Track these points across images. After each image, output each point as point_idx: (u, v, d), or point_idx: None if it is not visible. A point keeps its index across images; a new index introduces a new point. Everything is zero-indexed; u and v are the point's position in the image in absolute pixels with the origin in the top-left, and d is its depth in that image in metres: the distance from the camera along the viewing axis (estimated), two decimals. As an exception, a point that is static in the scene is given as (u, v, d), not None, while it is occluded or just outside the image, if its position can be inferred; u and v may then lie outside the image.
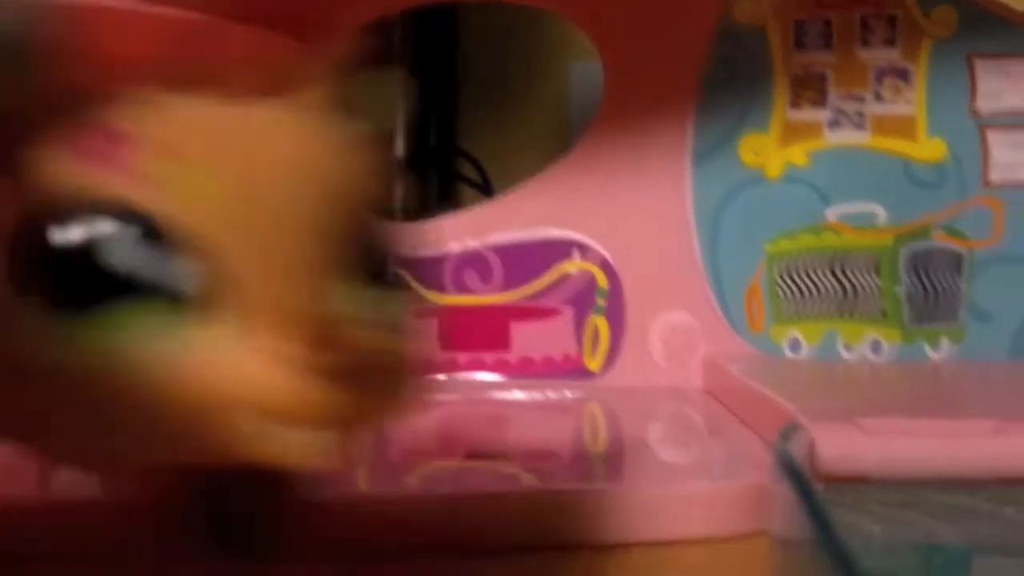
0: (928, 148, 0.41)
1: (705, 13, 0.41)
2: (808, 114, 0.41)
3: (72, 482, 0.22)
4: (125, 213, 0.13)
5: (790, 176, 0.41)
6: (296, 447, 0.13)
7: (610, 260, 0.41)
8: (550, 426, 0.34)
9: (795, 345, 0.41)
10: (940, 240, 0.41)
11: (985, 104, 0.41)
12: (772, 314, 0.41)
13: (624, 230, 0.41)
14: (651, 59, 0.41)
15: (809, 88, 0.41)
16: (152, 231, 0.13)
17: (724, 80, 0.41)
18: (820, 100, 0.41)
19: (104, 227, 0.13)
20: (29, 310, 0.13)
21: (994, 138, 0.40)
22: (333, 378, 0.13)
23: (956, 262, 0.41)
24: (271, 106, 0.15)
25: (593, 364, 0.41)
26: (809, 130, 0.41)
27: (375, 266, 0.15)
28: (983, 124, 0.41)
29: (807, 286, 0.41)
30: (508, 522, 0.23)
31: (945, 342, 0.41)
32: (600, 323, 0.41)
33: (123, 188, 0.13)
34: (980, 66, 0.41)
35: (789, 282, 0.41)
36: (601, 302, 0.41)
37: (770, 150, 0.41)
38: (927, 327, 0.41)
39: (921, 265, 0.41)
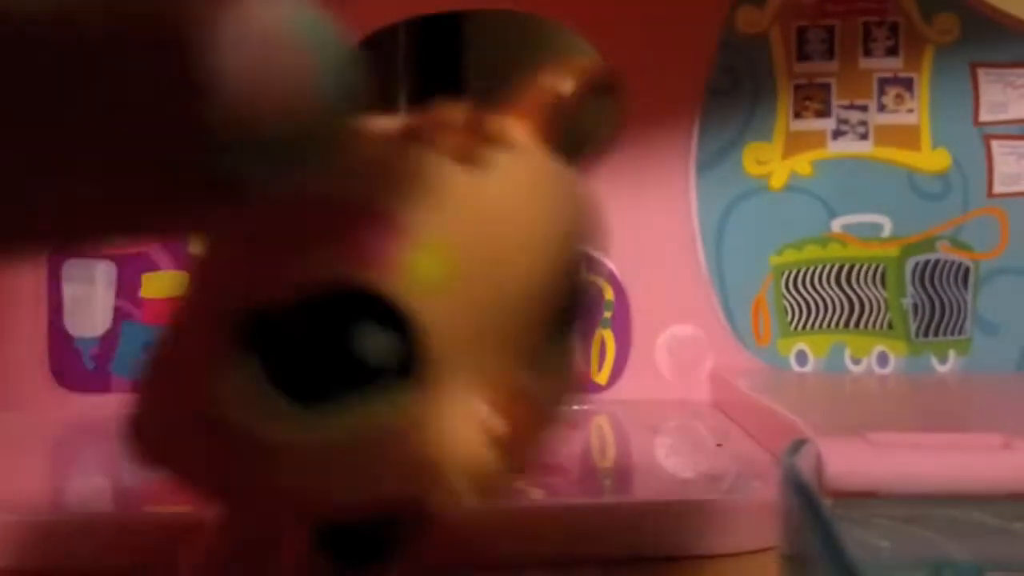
0: (932, 159, 0.41)
1: (708, 23, 0.41)
2: (811, 124, 0.41)
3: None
4: (370, 301, 0.13)
5: (794, 186, 0.41)
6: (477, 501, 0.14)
7: (616, 272, 0.41)
8: (558, 440, 0.34)
9: (802, 358, 0.41)
10: (946, 252, 0.41)
11: (988, 114, 0.41)
12: (779, 327, 0.41)
13: (630, 242, 0.41)
14: (655, 69, 0.41)
15: (812, 98, 0.41)
16: (386, 316, 0.13)
17: (727, 89, 0.41)
18: (823, 110, 0.41)
19: (351, 317, 0.13)
20: (263, 390, 0.13)
21: (998, 148, 0.40)
22: (520, 446, 0.14)
23: (962, 274, 0.41)
24: (515, 163, 0.15)
25: (600, 377, 0.41)
26: (813, 140, 0.41)
27: (572, 315, 0.15)
28: (987, 134, 0.41)
29: (813, 298, 0.41)
30: (516, 537, 0.23)
31: (952, 354, 0.40)
32: (607, 336, 0.41)
33: (376, 278, 0.13)
34: (983, 76, 0.41)
35: (795, 294, 0.41)
36: (607, 315, 0.41)
37: (774, 160, 0.41)
38: (934, 340, 0.41)
39: (927, 277, 0.41)
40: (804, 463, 0.20)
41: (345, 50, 0.11)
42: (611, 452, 0.33)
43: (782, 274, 0.41)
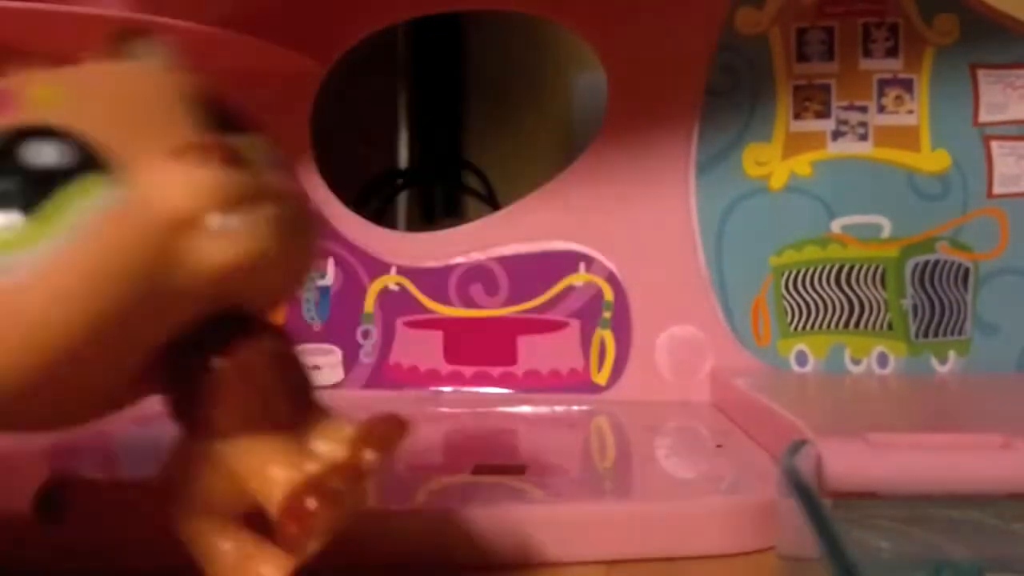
0: (932, 159, 0.41)
1: (708, 24, 0.41)
2: (811, 125, 0.41)
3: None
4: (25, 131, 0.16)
5: (794, 187, 0.41)
6: (238, 231, 0.16)
7: (616, 273, 0.41)
8: (558, 440, 0.34)
9: (802, 358, 0.41)
10: (945, 252, 0.41)
11: (988, 115, 0.41)
12: (779, 327, 0.41)
13: (630, 243, 0.41)
14: (655, 70, 0.41)
15: (812, 99, 0.41)
16: (43, 134, 0.16)
17: (727, 91, 0.41)
18: (823, 111, 0.41)
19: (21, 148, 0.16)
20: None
21: (998, 149, 0.40)
22: (229, 159, 0.16)
23: (962, 274, 0.41)
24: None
25: (600, 378, 0.41)
26: (812, 140, 0.41)
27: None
28: (986, 135, 0.41)
29: (813, 299, 0.41)
30: (517, 537, 0.23)
31: (952, 355, 0.40)
32: (607, 336, 0.41)
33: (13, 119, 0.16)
34: (983, 77, 0.41)
35: (795, 295, 0.41)
36: (607, 315, 0.41)
37: (774, 160, 0.41)
38: (934, 340, 0.41)
39: (927, 277, 0.41)
40: (804, 464, 0.20)
41: None
42: (611, 452, 0.33)
43: (782, 275, 0.41)
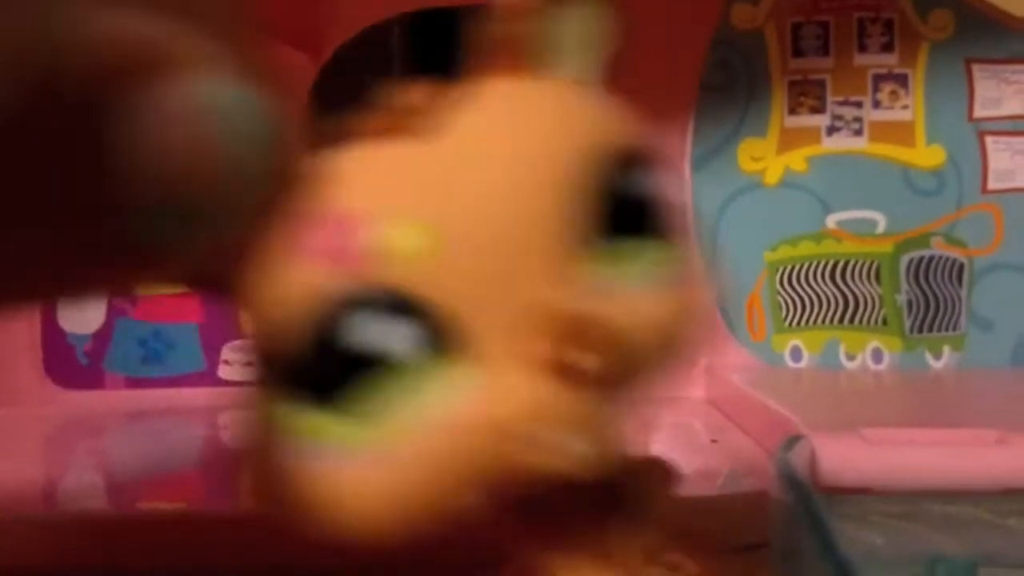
0: (927, 155, 0.41)
1: (703, 19, 0.41)
2: (806, 120, 0.41)
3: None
4: (365, 298, 0.13)
5: (789, 182, 0.41)
6: (566, 450, 0.13)
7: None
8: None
9: (797, 354, 0.41)
10: (940, 248, 0.41)
11: (983, 110, 0.41)
12: (773, 323, 0.41)
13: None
14: (649, 66, 0.41)
15: (807, 94, 0.41)
16: (388, 302, 0.13)
17: (722, 86, 0.41)
18: (818, 106, 0.41)
19: (354, 322, 0.13)
20: (301, 410, 0.13)
21: (992, 145, 0.40)
22: (594, 370, 0.13)
23: (956, 270, 0.41)
24: (475, 115, 0.14)
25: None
26: (807, 136, 0.41)
27: (632, 211, 0.14)
28: (981, 130, 0.41)
29: (808, 295, 0.41)
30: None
31: (946, 350, 0.41)
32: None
33: (356, 276, 0.13)
34: (978, 72, 0.41)
35: (790, 290, 0.41)
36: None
37: (769, 156, 0.41)
38: (928, 336, 0.41)
39: (922, 273, 0.41)
40: (798, 459, 0.20)
41: (265, 120, 0.12)
42: (605, 448, 0.33)
43: (777, 270, 0.41)
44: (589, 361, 0.13)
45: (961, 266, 0.40)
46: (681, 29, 0.41)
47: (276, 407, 0.13)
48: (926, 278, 0.41)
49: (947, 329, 0.40)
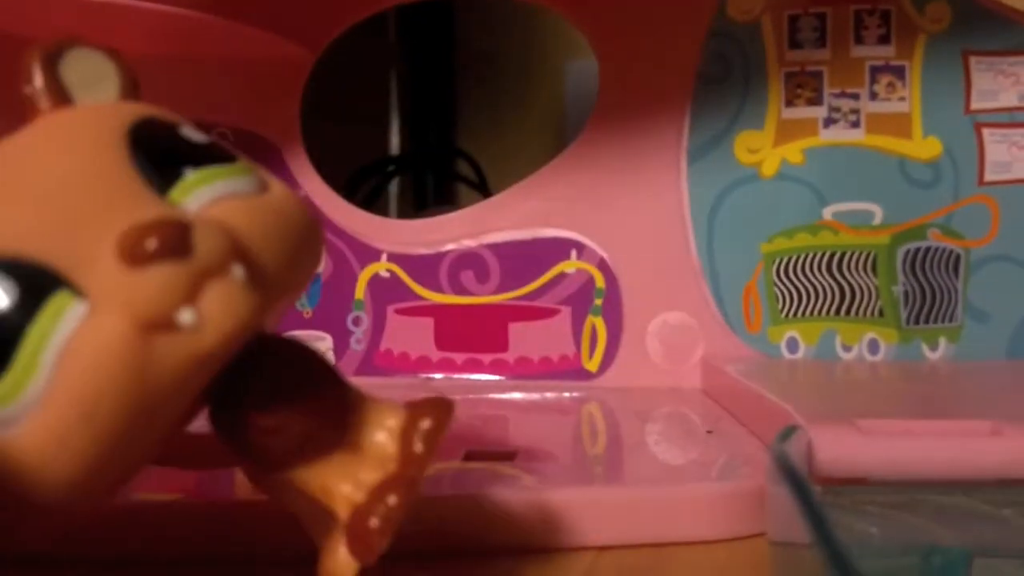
0: (923, 146, 0.41)
1: (700, 10, 0.41)
2: (803, 112, 0.41)
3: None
4: None
5: (786, 174, 0.41)
6: (203, 323, 0.15)
7: (607, 260, 0.41)
8: (548, 427, 0.34)
9: (793, 345, 0.41)
10: (936, 239, 0.41)
11: (980, 102, 0.41)
12: (770, 314, 0.41)
13: (621, 230, 0.41)
14: (646, 56, 0.41)
15: (804, 86, 0.41)
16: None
17: (719, 77, 0.41)
18: (815, 98, 0.41)
19: None
20: None
21: (989, 136, 0.40)
22: (173, 250, 0.15)
23: (953, 261, 0.41)
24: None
25: (591, 364, 0.41)
26: (804, 128, 0.41)
27: (172, 158, 0.17)
28: (978, 122, 0.41)
29: (804, 286, 0.41)
30: (508, 524, 0.23)
31: (943, 341, 0.41)
32: (598, 323, 0.41)
33: None
34: (974, 64, 0.41)
35: (787, 282, 0.41)
36: (599, 302, 0.41)
37: (765, 148, 0.41)
38: (924, 327, 0.41)
39: (918, 264, 0.41)
40: (794, 450, 0.20)
41: None
42: (601, 439, 0.33)
43: (773, 262, 0.41)
44: (172, 242, 0.15)
45: (958, 257, 0.41)
46: (678, 20, 0.41)
47: None
48: (923, 269, 0.41)
49: (943, 320, 0.41)
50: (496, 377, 0.41)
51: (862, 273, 0.41)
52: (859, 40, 0.41)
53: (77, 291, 0.15)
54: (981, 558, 0.18)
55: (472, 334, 0.42)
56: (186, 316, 0.15)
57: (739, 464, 0.27)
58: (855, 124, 0.41)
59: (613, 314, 0.41)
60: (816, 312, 0.41)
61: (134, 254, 0.15)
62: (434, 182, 0.79)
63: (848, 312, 0.41)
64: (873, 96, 0.41)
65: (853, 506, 0.20)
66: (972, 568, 0.18)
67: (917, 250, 0.41)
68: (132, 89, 0.18)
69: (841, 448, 0.21)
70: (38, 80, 0.17)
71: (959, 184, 0.41)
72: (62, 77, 0.17)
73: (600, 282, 0.41)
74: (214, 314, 0.15)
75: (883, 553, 0.18)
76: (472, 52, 0.82)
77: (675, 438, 0.33)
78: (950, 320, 0.41)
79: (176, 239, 0.15)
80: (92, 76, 0.18)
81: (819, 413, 0.25)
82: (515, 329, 0.41)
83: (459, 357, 0.41)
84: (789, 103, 0.41)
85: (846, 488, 0.20)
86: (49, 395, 0.14)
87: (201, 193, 0.16)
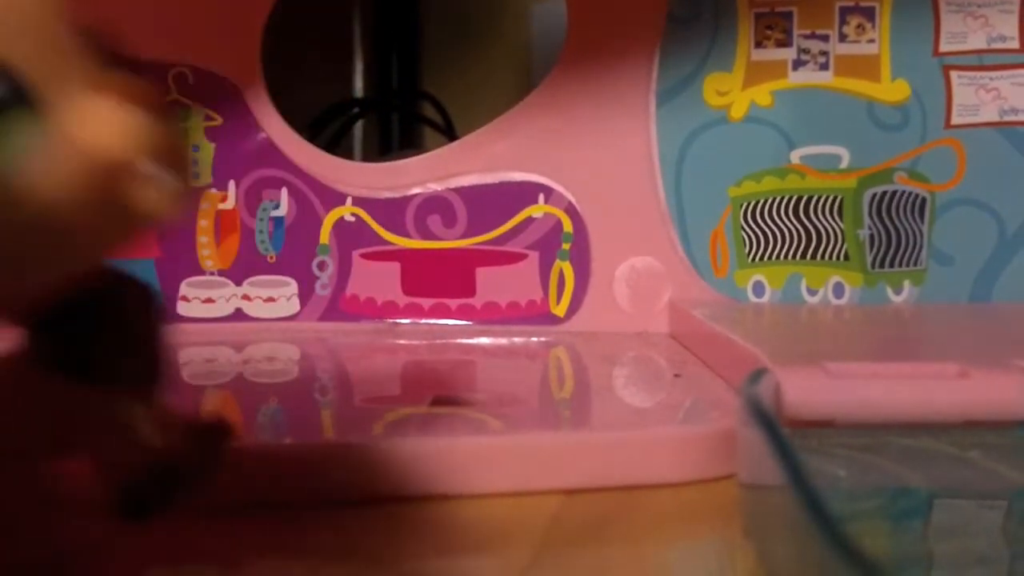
0: (892, 89, 0.41)
1: (669, -49, 0.40)
2: (772, 54, 0.41)
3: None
4: None
5: (754, 117, 0.41)
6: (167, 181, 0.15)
7: (575, 204, 0.41)
8: (516, 372, 0.34)
9: (759, 289, 0.41)
10: (903, 183, 0.41)
11: (948, 45, 0.40)
12: (736, 258, 0.41)
13: (589, 174, 0.41)
14: (615, -2, 0.41)
15: (774, 27, 0.41)
16: None
17: (688, 19, 0.41)
18: (784, 39, 0.41)
19: None
20: None
21: (957, 79, 0.40)
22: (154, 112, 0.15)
23: (918, 205, 0.41)
24: None
25: (558, 309, 0.41)
26: (773, 70, 0.41)
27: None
28: (946, 65, 0.40)
29: (771, 230, 0.41)
30: (476, 468, 0.23)
31: (907, 285, 0.41)
32: (565, 268, 0.41)
33: None
34: (944, 6, 0.40)
35: (753, 226, 0.41)
36: (566, 247, 0.41)
37: (734, 90, 0.41)
38: (890, 271, 0.41)
39: (884, 208, 0.41)
40: (763, 393, 0.20)
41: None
42: (569, 383, 0.33)
43: (740, 206, 0.41)
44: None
45: (923, 201, 0.41)
46: (647, -41, 0.41)
47: None
48: (888, 213, 0.41)
49: (908, 264, 0.41)
50: (463, 322, 0.41)
51: (828, 217, 0.41)
52: (829, -19, 0.41)
53: (49, 117, 0.14)
54: (947, 499, 0.19)
55: (439, 279, 0.41)
56: (147, 168, 0.15)
57: (706, 407, 0.28)
58: (824, 67, 0.41)
59: (581, 259, 0.41)
60: (782, 256, 0.41)
61: (110, 90, 0.15)
62: (399, 125, 0.78)
63: (814, 256, 0.41)
64: (843, 38, 0.41)
65: (821, 448, 0.20)
66: (938, 509, 0.18)
67: (883, 194, 0.41)
68: None
69: (809, 391, 0.21)
70: None
71: (926, 127, 0.41)
72: None
73: (568, 226, 0.41)
74: (166, 185, 0.15)
75: (851, 495, 0.18)
76: (437, 12, 0.80)
77: (642, 382, 0.33)
78: (915, 264, 0.41)
79: (152, 98, 0.15)
80: None
81: (787, 356, 0.25)
82: (482, 274, 0.41)
83: (426, 302, 0.41)
84: (759, 44, 0.41)
85: (814, 430, 0.20)
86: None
87: None
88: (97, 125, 0.14)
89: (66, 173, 0.14)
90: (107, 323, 0.17)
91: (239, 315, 0.41)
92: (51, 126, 0.14)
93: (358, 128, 0.75)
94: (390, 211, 0.41)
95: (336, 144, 0.65)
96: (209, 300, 0.41)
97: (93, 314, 0.16)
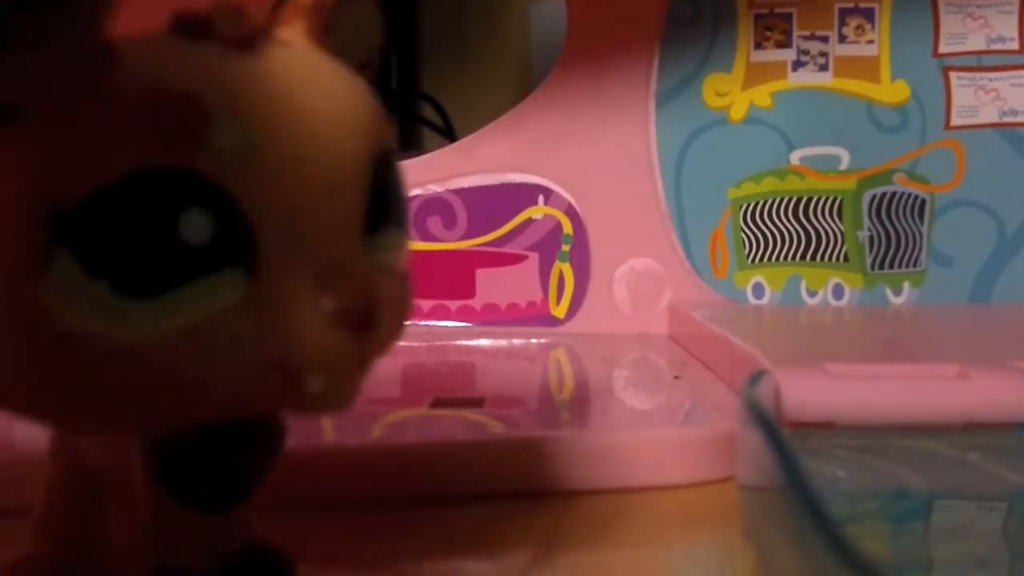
0: (891, 90, 0.41)
1: (669, -49, 0.41)
2: (772, 55, 0.41)
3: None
4: (191, 188, 0.12)
5: (754, 118, 0.41)
6: (334, 393, 0.13)
7: (575, 206, 0.41)
8: (516, 373, 0.34)
9: (759, 290, 0.41)
10: (902, 184, 0.41)
11: (947, 46, 0.40)
12: (736, 259, 0.41)
13: (589, 175, 0.41)
14: (614, -1, 0.41)
15: (773, 28, 0.41)
16: (211, 204, 0.12)
17: (688, 20, 0.41)
18: (784, 40, 0.41)
19: (171, 203, 0.12)
20: (94, 290, 0.12)
21: (956, 80, 0.40)
22: (366, 328, 0.13)
23: (918, 206, 0.41)
24: (281, 50, 0.14)
25: (558, 311, 0.41)
26: (773, 71, 0.41)
27: (386, 208, 0.15)
28: (945, 66, 0.40)
29: (771, 231, 0.41)
30: (475, 470, 0.23)
31: (907, 286, 0.41)
32: (565, 269, 0.41)
33: (191, 162, 0.12)
34: (943, 6, 0.40)
35: (753, 227, 0.41)
36: (566, 248, 0.41)
37: (734, 91, 0.41)
38: (889, 272, 0.41)
39: (883, 209, 0.41)
40: (762, 394, 0.20)
41: None
42: (569, 385, 0.33)
43: (740, 207, 0.41)
44: (370, 320, 0.13)
45: (923, 202, 0.41)
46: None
47: (41, 265, 0.12)
48: (888, 214, 0.41)
49: (907, 265, 0.41)
50: (463, 324, 0.41)
51: (828, 218, 0.41)
52: (829, -18, 0.41)
53: (254, 293, 0.13)
54: (942, 500, 0.19)
55: (439, 280, 0.41)
56: (314, 384, 0.13)
57: (706, 409, 0.28)
58: (823, 67, 0.41)
59: (580, 260, 0.41)
60: (782, 257, 0.41)
61: (336, 313, 0.13)
62: (399, 126, 0.78)
63: (813, 257, 0.41)
64: (842, 39, 0.41)
65: (821, 450, 0.20)
66: (937, 510, 0.18)
67: (883, 195, 0.41)
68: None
69: (809, 392, 0.21)
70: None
71: (926, 129, 0.41)
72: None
73: (567, 228, 0.41)
74: (326, 398, 0.13)
75: (851, 497, 0.18)
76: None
77: (642, 384, 0.33)
78: (914, 265, 0.41)
79: (370, 319, 0.13)
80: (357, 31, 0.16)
81: (786, 357, 0.25)
82: (482, 275, 0.41)
83: (426, 304, 0.41)
84: (758, 46, 0.41)
85: (813, 432, 0.20)
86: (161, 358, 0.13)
87: (386, 258, 0.15)
88: (294, 329, 0.13)
89: (244, 363, 0.13)
90: (224, 460, 0.15)
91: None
92: (251, 313, 0.13)
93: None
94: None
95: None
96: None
97: (213, 446, 0.15)
